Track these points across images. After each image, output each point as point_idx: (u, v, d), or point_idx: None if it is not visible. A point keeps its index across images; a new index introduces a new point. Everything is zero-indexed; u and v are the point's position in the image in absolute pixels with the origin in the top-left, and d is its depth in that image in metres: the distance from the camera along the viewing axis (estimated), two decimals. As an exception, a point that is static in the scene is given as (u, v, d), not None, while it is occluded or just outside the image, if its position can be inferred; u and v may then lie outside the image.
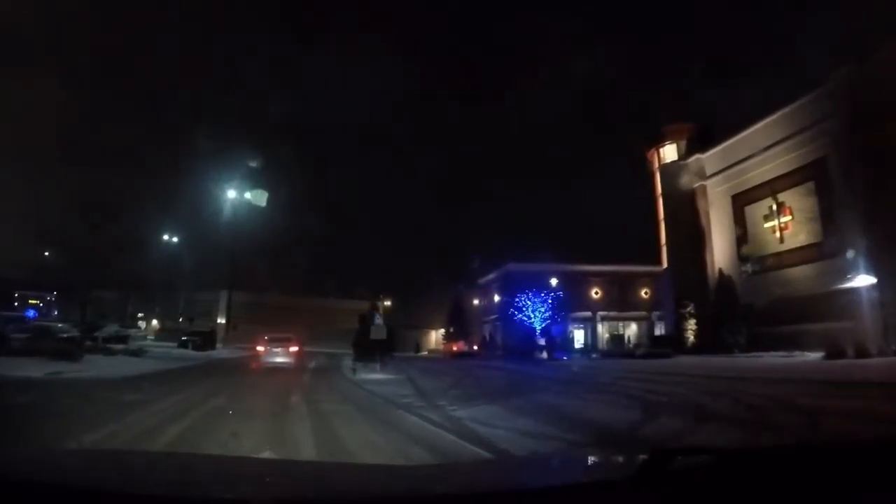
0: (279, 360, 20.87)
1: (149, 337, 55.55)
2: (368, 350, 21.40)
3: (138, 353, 22.75)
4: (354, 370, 20.29)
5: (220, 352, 35.04)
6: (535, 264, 48.32)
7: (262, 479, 1.83)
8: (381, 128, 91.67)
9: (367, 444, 6.63)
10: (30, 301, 71.31)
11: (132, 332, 47.20)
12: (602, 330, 53.87)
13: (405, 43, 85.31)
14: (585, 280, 52.39)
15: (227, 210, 38.84)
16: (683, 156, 36.24)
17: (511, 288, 49.17)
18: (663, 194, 37.50)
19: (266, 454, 5.45)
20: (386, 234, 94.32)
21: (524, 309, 43.23)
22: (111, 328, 41.30)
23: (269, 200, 33.31)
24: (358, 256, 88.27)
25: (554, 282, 42.52)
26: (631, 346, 42.30)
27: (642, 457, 1.40)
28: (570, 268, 49.08)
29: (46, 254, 68.28)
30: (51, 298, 71.10)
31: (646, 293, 54.35)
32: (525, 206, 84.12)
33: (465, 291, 61.04)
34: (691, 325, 31.01)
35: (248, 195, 38.92)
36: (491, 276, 57.28)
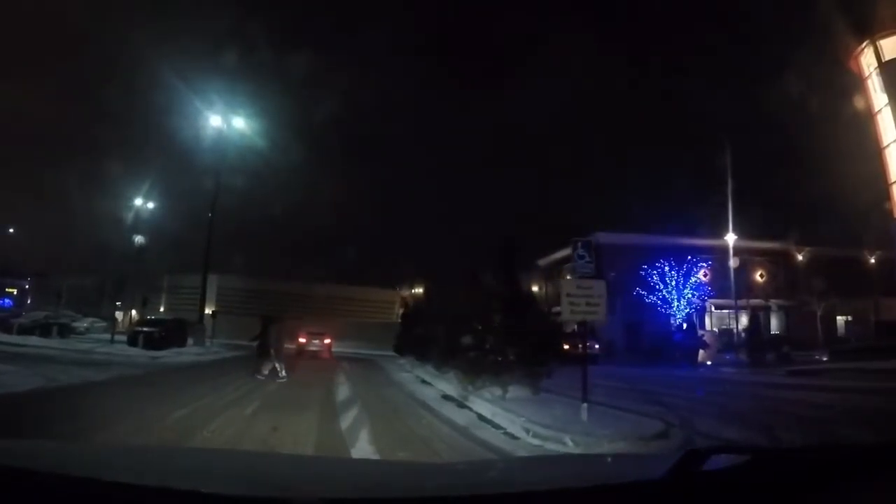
0: (314, 348, 26.92)
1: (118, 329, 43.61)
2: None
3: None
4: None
5: (188, 351, 21.94)
6: (632, 235, 35.33)
7: (303, 477, 1.79)
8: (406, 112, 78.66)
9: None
10: (7, 290, 64.31)
11: (86, 322, 34.45)
12: (709, 323, 40.95)
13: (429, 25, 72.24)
14: (690, 258, 39.11)
15: (209, 141, 26.13)
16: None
17: (598, 267, 35.92)
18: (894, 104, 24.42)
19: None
20: (412, 219, 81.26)
21: (658, 290, 29.71)
22: (37, 315, 29.27)
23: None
24: (380, 241, 75.31)
25: (731, 240, 29.15)
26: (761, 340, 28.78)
27: (677, 456, 1.29)
28: (672, 241, 35.87)
29: (11, 231, 55.49)
30: (27, 286, 65.51)
31: (761, 276, 42.31)
32: (591, 174, 69.98)
33: (522, 277, 47.56)
34: None
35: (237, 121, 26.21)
36: (561, 253, 43.84)
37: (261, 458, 2.78)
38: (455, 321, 11.54)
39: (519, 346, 8.69)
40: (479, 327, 9.69)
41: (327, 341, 28.14)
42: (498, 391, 8.74)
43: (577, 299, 6.86)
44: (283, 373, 12.20)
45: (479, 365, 9.10)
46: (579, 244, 7.28)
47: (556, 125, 72.25)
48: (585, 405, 6.75)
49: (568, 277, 7.12)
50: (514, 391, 8.86)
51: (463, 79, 77.15)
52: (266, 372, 12.12)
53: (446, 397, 9.86)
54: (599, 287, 7.11)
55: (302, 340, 27.45)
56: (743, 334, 28.14)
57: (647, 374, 17.72)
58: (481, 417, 7.49)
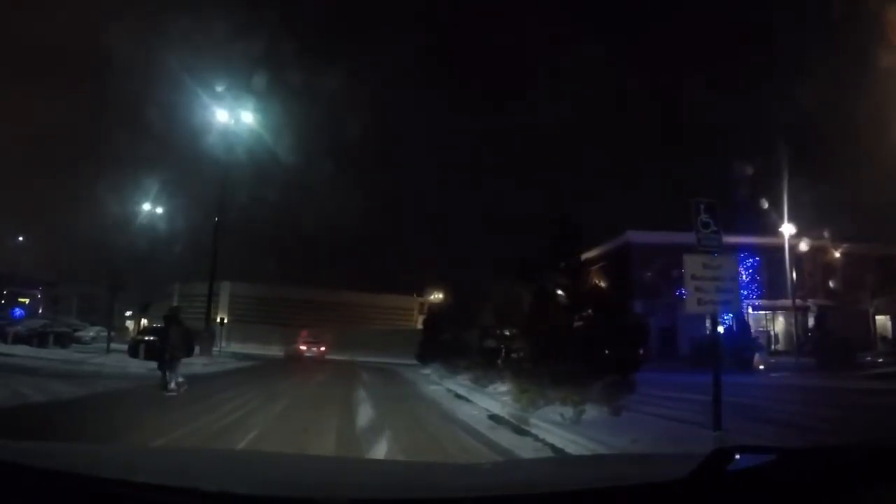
0: (311, 355, 31.04)
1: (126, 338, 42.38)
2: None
3: None
4: None
5: (193, 361, 19.98)
6: (665, 233, 33.04)
7: (330, 478, 1.76)
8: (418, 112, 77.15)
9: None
10: (20, 299, 64.19)
11: (93, 331, 32.93)
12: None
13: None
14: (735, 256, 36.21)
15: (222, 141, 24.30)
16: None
17: (629, 267, 34.27)
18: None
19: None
20: (430, 222, 79.40)
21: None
22: (35, 323, 27.78)
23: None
24: (398, 246, 73.69)
25: (787, 233, 26.82)
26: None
27: (703, 456, 1.25)
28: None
29: (21, 238, 54.44)
30: (39, 296, 65.57)
31: (800, 274, 40.05)
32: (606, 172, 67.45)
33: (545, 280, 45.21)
34: None
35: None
36: (591, 254, 41.65)
37: (286, 459, 2.71)
38: (498, 324, 9.52)
39: (596, 351, 6.64)
40: (538, 329, 7.67)
41: (322, 348, 33.01)
42: (568, 411, 6.70)
43: (705, 283, 4.85)
44: (179, 380, 10.65)
45: (540, 377, 7.06)
46: (702, 207, 5.23)
47: (576, 128, 70.18)
48: (717, 434, 4.70)
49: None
50: (589, 410, 6.83)
51: (486, 85, 75.75)
52: (174, 385, 10.33)
53: (495, 418, 7.85)
54: (731, 265, 5.09)
55: (302, 347, 32.68)
56: (805, 335, 25.98)
57: (706, 381, 15.61)
58: (557, 451, 5.46)
